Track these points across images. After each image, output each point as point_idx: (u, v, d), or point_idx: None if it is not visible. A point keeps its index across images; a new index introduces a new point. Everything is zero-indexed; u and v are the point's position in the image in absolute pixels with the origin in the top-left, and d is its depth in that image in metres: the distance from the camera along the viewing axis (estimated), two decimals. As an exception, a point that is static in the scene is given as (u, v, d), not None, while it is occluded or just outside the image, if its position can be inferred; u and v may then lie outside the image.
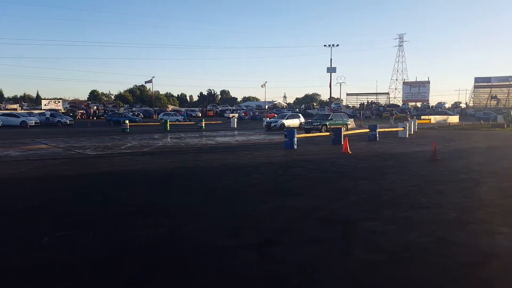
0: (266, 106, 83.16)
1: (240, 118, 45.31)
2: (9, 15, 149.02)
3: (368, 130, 22.16)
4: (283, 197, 7.63)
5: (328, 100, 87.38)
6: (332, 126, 24.97)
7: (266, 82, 70.02)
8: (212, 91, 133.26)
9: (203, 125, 34.52)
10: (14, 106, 63.63)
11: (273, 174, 10.35)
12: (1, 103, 70.17)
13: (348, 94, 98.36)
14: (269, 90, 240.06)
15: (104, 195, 7.94)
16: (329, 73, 64.26)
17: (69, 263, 4.40)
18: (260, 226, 5.72)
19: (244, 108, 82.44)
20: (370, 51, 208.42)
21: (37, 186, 8.93)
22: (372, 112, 65.63)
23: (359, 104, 72.40)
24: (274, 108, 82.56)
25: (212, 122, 43.27)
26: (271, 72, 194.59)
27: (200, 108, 74.25)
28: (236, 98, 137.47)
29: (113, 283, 3.90)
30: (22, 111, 51.74)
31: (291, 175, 10.29)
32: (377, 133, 21.14)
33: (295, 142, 16.62)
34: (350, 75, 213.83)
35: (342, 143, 16.21)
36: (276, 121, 31.75)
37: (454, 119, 46.47)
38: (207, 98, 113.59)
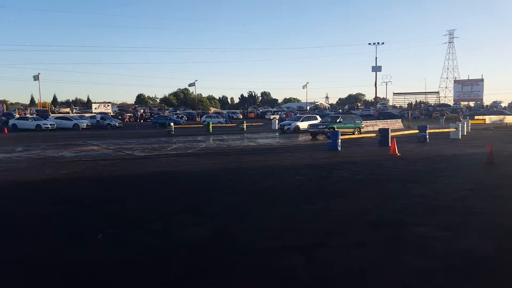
0: (308, 107, 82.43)
1: (281, 120, 45.12)
2: (62, 22, 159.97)
3: (417, 131, 21.26)
4: (327, 199, 7.53)
5: (373, 100, 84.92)
6: (341, 130, 22.77)
7: (307, 82, 69.55)
8: (253, 93, 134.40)
9: (245, 127, 34.95)
10: (67, 109, 68.17)
11: (316, 176, 10.24)
12: (55, 107, 75.41)
13: (395, 94, 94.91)
14: (310, 91, 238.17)
15: (152, 195, 8.29)
16: (374, 72, 62.50)
17: (121, 259, 4.64)
18: (305, 228, 5.69)
19: (285, 109, 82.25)
20: (418, 49, 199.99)
21: (90, 186, 9.50)
22: (421, 112, 62.91)
23: (407, 104, 69.61)
24: (316, 109, 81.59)
25: (253, 124, 43.63)
26: (312, 73, 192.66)
27: (241, 110, 75.11)
28: (277, 100, 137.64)
29: (163, 279, 4.06)
30: (74, 114, 55.33)
31: (336, 177, 10.13)
32: (427, 134, 20.22)
33: (339, 144, 16.34)
34: (397, 74, 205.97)
35: (390, 144, 15.68)
36: (290, 124, 30.17)
37: (511, 119, 43.29)
38: (248, 100, 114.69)
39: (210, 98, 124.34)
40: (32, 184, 9.50)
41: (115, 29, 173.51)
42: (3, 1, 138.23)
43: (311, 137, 24.24)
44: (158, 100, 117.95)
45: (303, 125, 29.04)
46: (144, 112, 65.61)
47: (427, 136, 20.11)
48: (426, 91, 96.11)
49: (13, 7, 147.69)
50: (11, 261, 4.63)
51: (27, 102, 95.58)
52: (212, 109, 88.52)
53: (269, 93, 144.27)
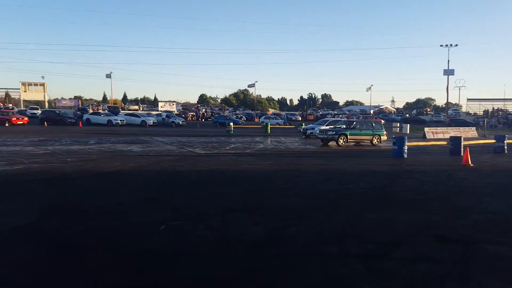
0: (371, 111, 79.61)
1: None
2: (134, 24, 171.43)
3: (493, 140, 19.54)
4: (391, 208, 7.23)
5: (444, 105, 79.58)
6: (356, 138, 21.09)
7: (371, 85, 67.10)
8: (313, 95, 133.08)
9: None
10: (136, 107, 72.92)
11: (380, 184, 9.87)
12: (125, 104, 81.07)
13: (469, 100, 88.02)
14: (375, 94, 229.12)
15: (211, 192, 8.58)
16: (446, 76, 58.56)
17: (180, 250, 4.88)
18: (367, 237, 5.51)
19: (347, 112, 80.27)
20: (495, 52, 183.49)
21: (155, 179, 10.09)
22: (499, 120, 57.66)
23: (483, 111, 64.30)
24: (380, 113, 78.57)
25: (312, 126, 43.15)
26: (377, 75, 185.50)
27: (300, 112, 74.73)
28: (338, 102, 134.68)
29: (219, 274, 4.20)
30: (142, 111, 59.02)
31: (401, 186, 9.68)
32: (506, 144, 18.50)
33: (405, 151, 15.57)
34: (471, 79, 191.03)
35: (462, 154, 14.62)
36: (313, 128, 27.48)
37: None
38: (307, 102, 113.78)
39: (269, 99, 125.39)
40: (102, 175, 10.33)
41: (181, 31, 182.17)
42: (83, 4, 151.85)
43: (321, 143, 21.65)
44: (219, 100, 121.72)
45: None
46: (205, 111, 68.06)
47: (505, 147, 18.41)
48: (505, 97, 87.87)
49: (92, 10, 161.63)
50: (86, 247, 5.08)
51: (100, 98, 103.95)
52: (271, 110, 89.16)
53: (330, 95, 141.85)
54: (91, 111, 49.39)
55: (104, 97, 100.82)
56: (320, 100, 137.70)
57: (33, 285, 3.89)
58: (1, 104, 58.48)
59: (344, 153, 17.79)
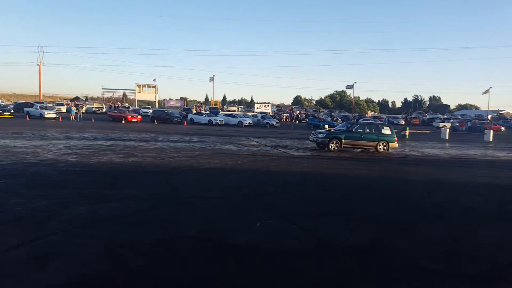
0: (489, 116, 70.77)
1: (453, 129, 40.10)
2: (237, 30, 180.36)
3: None
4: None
5: None
6: (353, 143, 17.84)
7: (490, 87, 59.46)
8: (419, 97, 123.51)
9: (407, 133, 32.49)
10: (233, 108, 76.66)
11: (498, 198, 8.75)
12: (224, 105, 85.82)
13: None
14: (493, 98, 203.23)
15: (305, 194, 8.60)
16: None
17: (278, 249, 5.00)
18: (480, 256, 4.96)
19: (459, 117, 72.61)
20: None
21: (251, 177, 10.50)
22: None
23: None
24: (500, 118, 69.39)
25: (417, 131, 40.18)
26: (497, 76, 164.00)
27: (404, 116, 69.98)
28: (448, 106, 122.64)
29: (311, 277, 4.19)
30: (239, 112, 61.80)
31: (526, 202, 8.44)
32: None
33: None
34: None
35: None
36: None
37: None
38: (412, 105, 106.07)
39: (368, 101, 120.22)
40: (204, 170, 11.11)
41: (277, 33, 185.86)
42: (190, 13, 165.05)
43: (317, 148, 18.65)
44: (313, 102, 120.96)
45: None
46: (300, 113, 68.22)
47: None
48: None
49: (209, 17, 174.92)
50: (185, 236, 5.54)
51: (203, 99, 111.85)
52: (370, 113, 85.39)
53: (439, 97, 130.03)
54: (194, 111, 53.41)
55: (206, 99, 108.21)
56: (428, 102, 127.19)
57: (149, 266, 4.38)
58: (119, 103, 66.98)
59: (455, 162, 16.15)
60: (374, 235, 5.75)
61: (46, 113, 36.99)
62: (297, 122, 58.75)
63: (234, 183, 9.52)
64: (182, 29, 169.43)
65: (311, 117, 53.11)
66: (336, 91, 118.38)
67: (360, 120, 51.66)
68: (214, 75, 74.01)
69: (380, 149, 17.95)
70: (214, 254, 4.77)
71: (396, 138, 18.58)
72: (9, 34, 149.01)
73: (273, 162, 13.55)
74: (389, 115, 73.74)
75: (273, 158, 14.71)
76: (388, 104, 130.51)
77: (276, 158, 14.92)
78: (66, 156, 12.53)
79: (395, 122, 59.44)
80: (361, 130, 18.16)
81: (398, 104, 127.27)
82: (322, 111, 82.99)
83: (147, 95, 76.70)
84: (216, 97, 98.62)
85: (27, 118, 35.56)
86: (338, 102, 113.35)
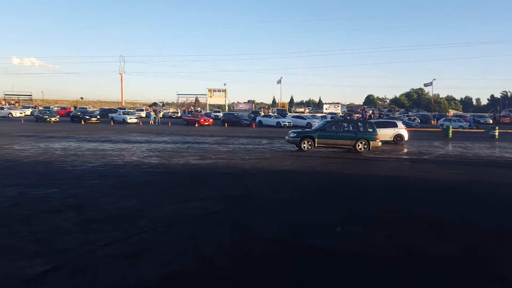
0: None
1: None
2: (291, 31, 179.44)
3: None
4: None
5: None
6: (328, 142, 16.54)
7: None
8: (508, 93, 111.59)
9: (496, 133, 29.52)
10: (301, 109, 76.26)
11: None
12: (291, 107, 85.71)
13: None
14: None
15: (384, 198, 8.23)
16: None
17: (361, 255, 4.84)
18: None
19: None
20: None
21: (324, 180, 10.34)
22: None
23: None
24: None
25: (508, 130, 36.34)
26: None
27: (492, 114, 63.79)
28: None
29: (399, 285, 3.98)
30: (307, 114, 61.29)
31: None
32: None
33: None
34: None
35: None
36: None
37: None
38: (501, 102, 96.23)
39: (449, 99, 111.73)
40: (275, 172, 11.19)
41: (343, 32, 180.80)
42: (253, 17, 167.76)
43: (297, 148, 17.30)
44: (387, 101, 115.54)
45: None
46: (372, 113, 65.66)
47: None
48: None
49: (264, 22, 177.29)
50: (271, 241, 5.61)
51: (270, 102, 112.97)
52: (451, 112, 79.19)
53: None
54: (262, 113, 54.21)
55: (273, 101, 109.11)
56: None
57: (230, 267, 4.53)
58: (192, 108, 70.43)
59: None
60: (469, 245, 5.30)
61: (128, 118, 40.23)
62: (369, 122, 56.50)
63: (307, 186, 9.47)
64: (248, 33, 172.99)
65: (385, 117, 50.72)
66: (413, 89, 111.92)
67: (441, 119, 48.29)
68: (281, 77, 74.46)
69: (360, 148, 16.59)
70: (286, 256, 4.79)
71: (378, 136, 17.00)
72: (94, 46, 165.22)
73: (347, 165, 13.21)
74: (474, 114, 67.71)
75: (346, 161, 14.34)
76: (472, 102, 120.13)
77: (350, 160, 14.51)
78: (148, 158, 13.47)
79: (482, 121, 54.52)
80: (337, 129, 17.05)
81: (484, 102, 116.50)
82: (398, 111, 78.90)
83: (217, 99, 79.59)
84: (284, 99, 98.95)
85: (112, 123, 38.94)
86: (415, 100, 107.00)
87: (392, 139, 21.12)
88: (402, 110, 78.99)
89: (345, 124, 17.76)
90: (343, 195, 8.54)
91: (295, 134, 17.19)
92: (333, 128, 17.09)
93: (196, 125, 38.92)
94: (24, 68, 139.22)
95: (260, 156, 14.94)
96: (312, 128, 19.23)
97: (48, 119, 38.96)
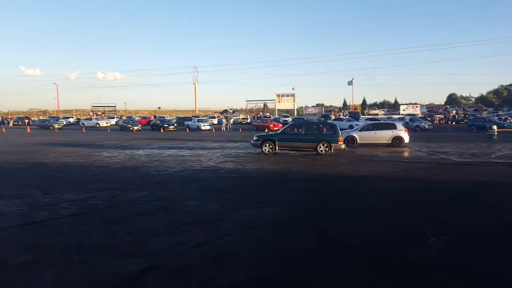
0: None
1: None
2: (362, 30, 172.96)
3: None
4: None
5: None
6: (289, 145, 16.81)
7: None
8: None
9: None
10: (376, 111, 73.29)
11: None
12: (364, 109, 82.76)
13: None
14: None
15: (486, 207, 7.52)
16: None
17: (462, 270, 4.45)
18: None
19: None
20: None
21: (410, 187, 9.75)
22: None
23: None
24: None
25: None
26: None
27: None
28: None
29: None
30: (382, 116, 58.68)
31: None
32: None
33: None
34: None
35: None
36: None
37: None
38: None
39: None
40: (354, 178, 10.84)
41: (414, 29, 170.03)
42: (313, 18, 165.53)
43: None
44: (473, 100, 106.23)
45: (364, 136, 20.76)
46: (456, 113, 60.87)
47: None
48: None
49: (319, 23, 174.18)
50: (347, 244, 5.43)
51: (340, 104, 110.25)
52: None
53: None
54: (333, 117, 53.15)
55: (344, 103, 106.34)
56: None
57: (316, 272, 4.45)
58: (261, 113, 71.44)
59: None
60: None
61: (202, 125, 42.13)
62: (453, 123, 52.52)
63: (389, 193, 8.99)
64: (315, 38, 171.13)
65: (472, 117, 46.57)
66: (502, 86, 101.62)
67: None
68: (353, 79, 72.43)
69: (321, 150, 16.48)
70: (378, 267, 4.55)
71: (340, 138, 16.80)
72: (169, 58, 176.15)
73: (433, 170, 12.34)
74: None
75: (432, 166, 13.41)
76: None
77: (437, 165, 13.55)
78: (224, 164, 13.90)
79: None
80: (298, 131, 17.15)
81: None
82: (485, 110, 72.18)
83: (286, 104, 79.71)
84: (355, 101, 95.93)
85: (187, 131, 41.04)
86: (505, 98, 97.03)
87: (390, 141, 20.53)
88: (490, 109, 72.00)
89: (306, 127, 17.86)
90: (431, 202, 7.96)
91: (257, 138, 17.62)
92: (294, 131, 17.36)
93: (266, 130, 39.34)
94: (107, 82, 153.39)
95: (334, 161, 14.61)
96: (277, 132, 20.35)
97: (131, 128, 42.34)
